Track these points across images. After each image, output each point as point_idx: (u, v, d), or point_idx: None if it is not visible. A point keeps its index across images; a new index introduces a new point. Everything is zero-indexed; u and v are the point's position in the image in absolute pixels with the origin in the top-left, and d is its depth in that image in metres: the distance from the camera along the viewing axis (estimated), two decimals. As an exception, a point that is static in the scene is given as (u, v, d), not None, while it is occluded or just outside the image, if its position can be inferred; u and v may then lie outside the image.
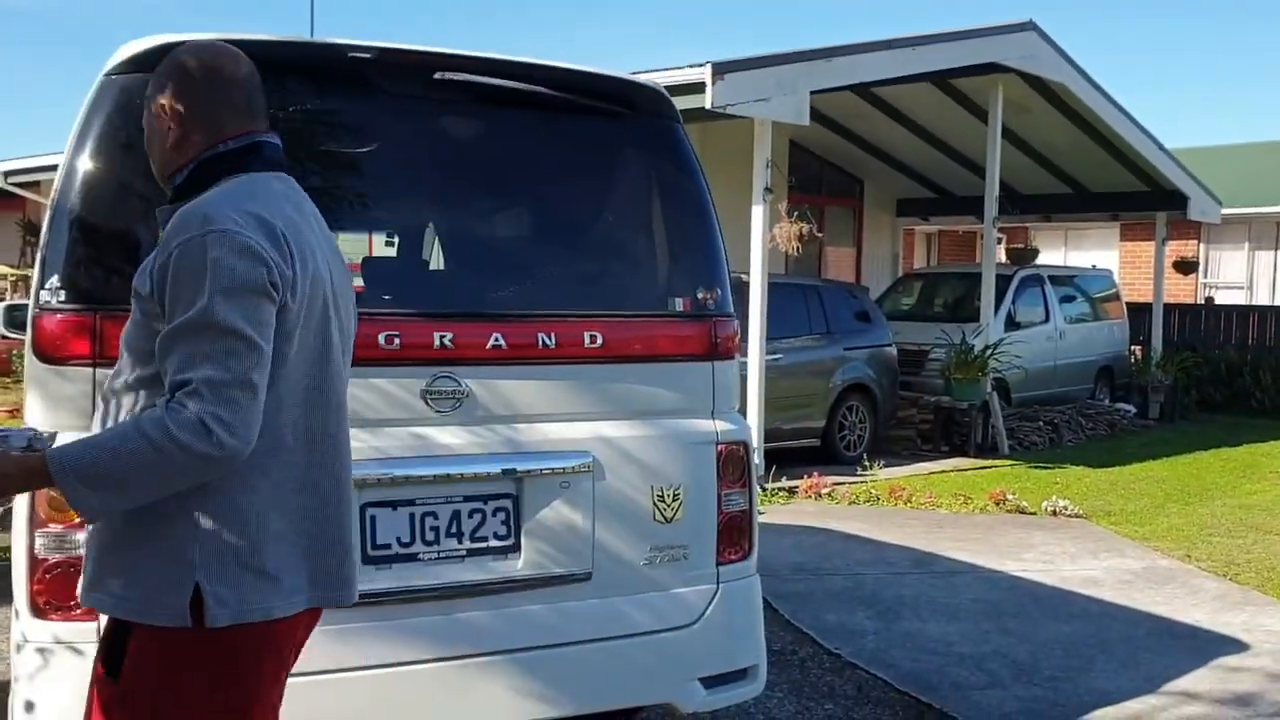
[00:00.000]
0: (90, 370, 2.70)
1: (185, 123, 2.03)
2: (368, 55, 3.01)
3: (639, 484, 3.24)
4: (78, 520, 2.68)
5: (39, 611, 2.68)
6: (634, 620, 3.23)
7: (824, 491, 9.27)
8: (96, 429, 1.95)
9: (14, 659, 2.82)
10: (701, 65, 8.61)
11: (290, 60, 3.03)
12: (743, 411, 3.60)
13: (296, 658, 2.20)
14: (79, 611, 2.68)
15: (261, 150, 2.04)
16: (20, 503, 2.69)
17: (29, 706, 2.67)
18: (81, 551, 2.68)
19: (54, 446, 1.87)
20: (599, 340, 3.20)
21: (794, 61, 9.29)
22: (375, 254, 4.33)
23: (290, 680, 2.83)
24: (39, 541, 2.67)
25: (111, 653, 1.92)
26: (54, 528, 2.68)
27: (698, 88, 8.49)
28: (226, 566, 1.88)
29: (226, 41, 2.98)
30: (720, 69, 8.62)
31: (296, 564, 1.98)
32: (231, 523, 1.89)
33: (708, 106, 8.51)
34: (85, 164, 2.78)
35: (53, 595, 2.68)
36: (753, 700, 4.11)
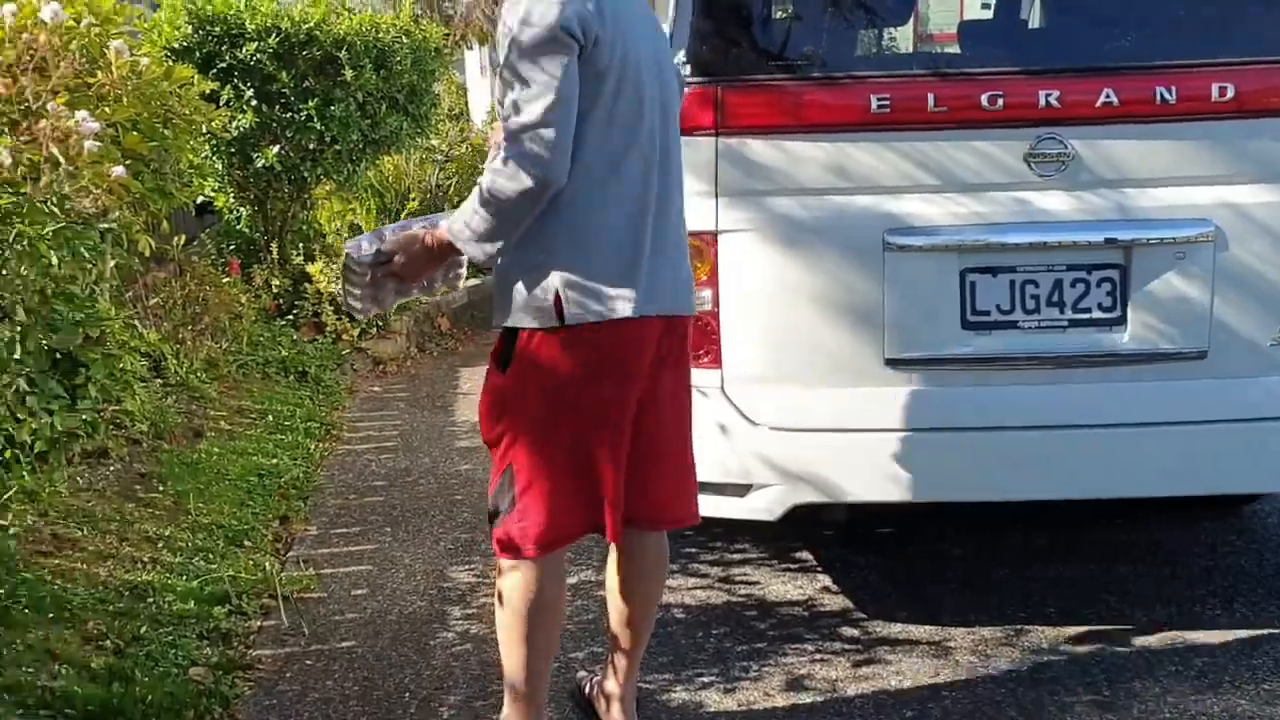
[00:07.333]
0: (713, 139, 2.90)
1: None
2: None
3: (1270, 256, 2.91)
4: None
5: None
6: (1256, 404, 2.97)
7: None
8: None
9: None
10: None
11: None
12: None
13: (665, 369, 2.42)
14: None
15: None
16: None
17: None
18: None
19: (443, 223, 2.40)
20: (1230, 92, 2.85)
21: None
22: (972, 16, 4.16)
23: (890, 434, 2.98)
24: None
25: (503, 354, 2.39)
26: None
27: None
28: (573, 278, 2.29)
29: None
30: None
31: (626, 276, 2.31)
32: (574, 244, 2.30)
33: None
34: None
35: None
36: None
